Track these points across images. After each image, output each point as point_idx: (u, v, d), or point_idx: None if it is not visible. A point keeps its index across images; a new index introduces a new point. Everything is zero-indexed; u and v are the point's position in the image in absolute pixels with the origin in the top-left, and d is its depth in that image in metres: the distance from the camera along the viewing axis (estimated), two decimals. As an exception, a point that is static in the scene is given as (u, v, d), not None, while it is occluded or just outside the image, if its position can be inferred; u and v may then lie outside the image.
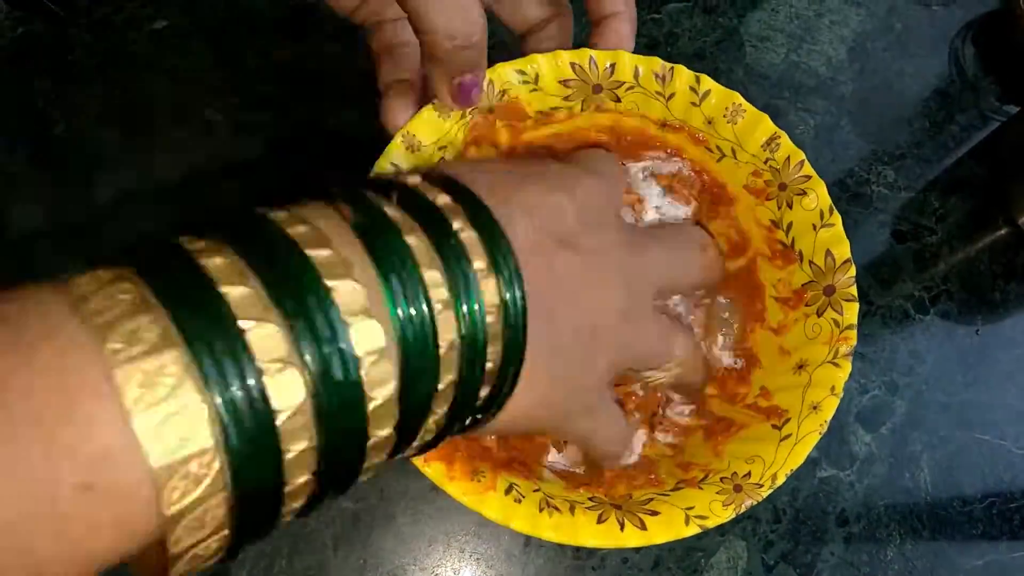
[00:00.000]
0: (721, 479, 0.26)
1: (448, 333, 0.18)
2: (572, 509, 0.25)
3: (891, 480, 0.36)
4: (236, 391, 0.15)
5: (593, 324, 0.23)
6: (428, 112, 0.28)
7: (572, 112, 0.30)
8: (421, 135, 0.28)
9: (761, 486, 0.25)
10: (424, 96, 0.29)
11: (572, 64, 0.28)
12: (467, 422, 0.21)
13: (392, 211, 0.19)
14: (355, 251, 0.17)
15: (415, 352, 0.18)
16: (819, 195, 0.27)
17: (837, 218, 0.27)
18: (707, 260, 0.29)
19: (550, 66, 0.28)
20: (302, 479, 0.16)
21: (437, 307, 0.18)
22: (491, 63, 0.28)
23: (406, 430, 0.18)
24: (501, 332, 0.19)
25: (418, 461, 0.25)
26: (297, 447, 0.16)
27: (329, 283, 0.16)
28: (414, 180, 0.21)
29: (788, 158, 0.28)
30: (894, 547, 0.35)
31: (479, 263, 0.19)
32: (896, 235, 0.40)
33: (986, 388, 0.38)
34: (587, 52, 0.28)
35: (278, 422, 0.15)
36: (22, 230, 0.37)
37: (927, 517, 0.36)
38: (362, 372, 0.16)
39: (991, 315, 0.39)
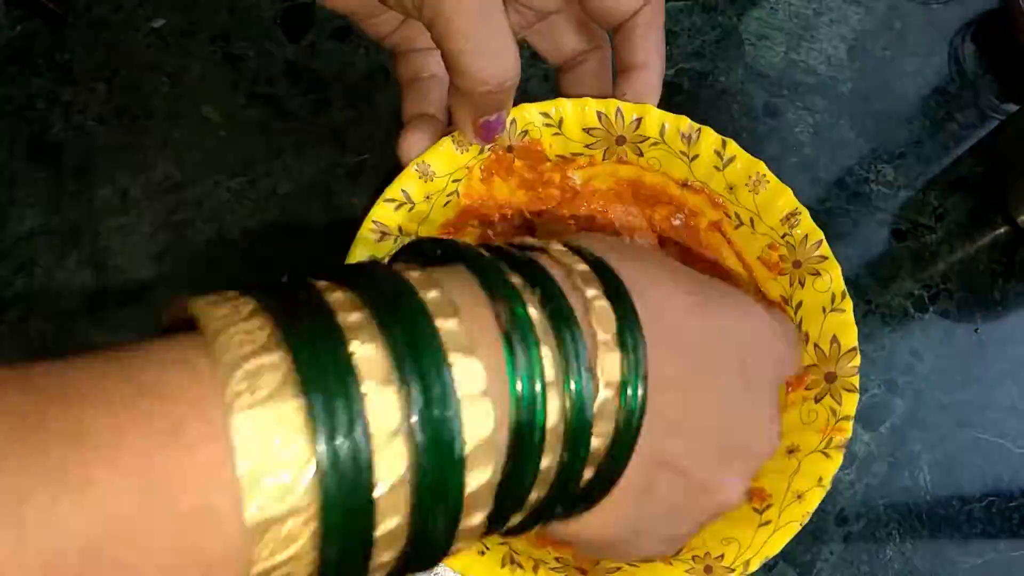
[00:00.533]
0: (693, 557, 0.25)
1: (553, 413, 0.17)
2: (536, 568, 0.25)
3: (890, 479, 0.36)
4: (344, 455, 0.14)
5: (703, 490, 0.21)
6: (447, 143, 0.28)
7: (593, 160, 0.30)
8: (436, 165, 0.28)
9: (732, 571, 0.24)
10: (446, 129, 0.28)
11: (598, 113, 0.28)
12: (558, 510, 0.20)
13: (532, 312, 0.18)
14: (484, 324, 0.17)
15: (524, 436, 0.17)
16: (833, 278, 0.27)
17: (848, 304, 0.26)
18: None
19: (575, 112, 0.28)
20: (387, 556, 0.16)
21: (547, 384, 0.17)
22: (519, 100, 0.27)
23: (500, 515, 0.18)
24: (616, 412, 0.18)
25: None
26: (390, 521, 0.15)
27: (452, 357, 0.16)
28: (557, 248, 0.20)
29: (806, 236, 0.27)
30: (893, 546, 0.35)
31: (603, 337, 0.18)
32: (895, 234, 0.40)
33: (985, 387, 0.38)
34: (615, 103, 0.27)
35: (376, 493, 0.15)
36: (21, 230, 0.37)
37: (926, 516, 0.36)
38: (466, 452, 0.16)
39: (990, 314, 0.39)
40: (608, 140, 0.28)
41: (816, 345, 0.27)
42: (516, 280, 0.18)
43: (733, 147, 0.27)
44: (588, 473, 0.19)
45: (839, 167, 0.41)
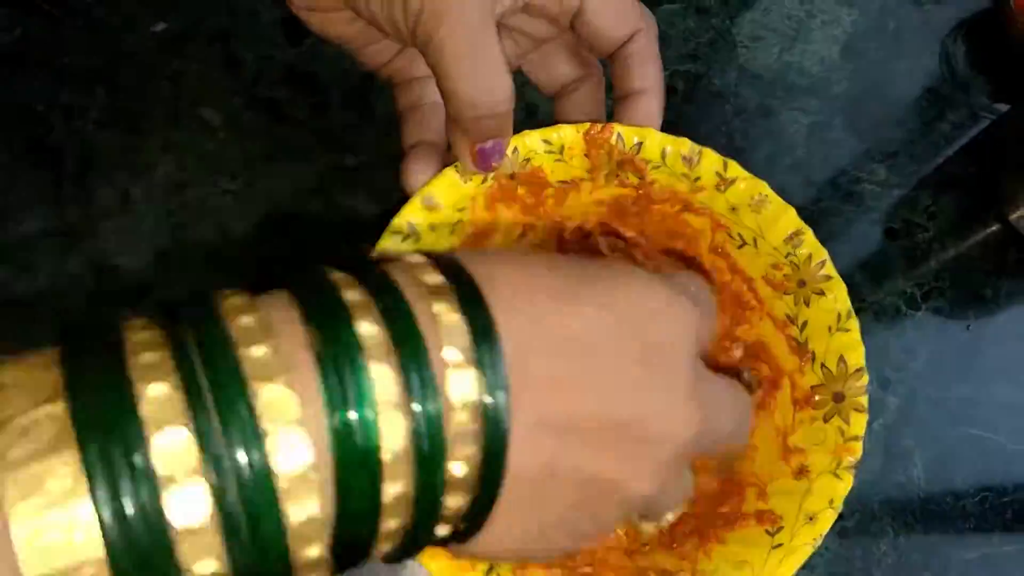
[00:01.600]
0: None
1: (397, 437, 0.16)
2: None
3: (884, 475, 0.36)
4: (128, 502, 0.13)
5: (609, 489, 0.20)
6: (450, 173, 0.27)
7: (595, 185, 0.30)
8: (440, 196, 0.27)
9: None
10: (449, 157, 0.28)
11: (599, 137, 0.28)
12: (442, 534, 0.19)
13: (354, 295, 0.17)
14: (298, 346, 0.16)
15: (353, 464, 0.16)
16: (838, 297, 0.27)
17: (854, 323, 0.26)
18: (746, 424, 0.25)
19: (576, 137, 0.28)
20: None
21: (383, 408, 0.16)
22: (520, 128, 0.27)
23: (348, 548, 0.17)
24: (477, 433, 0.17)
25: None
26: (202, 568, 0.14)
27: (256, 386, 0.15)
28: (414, 259, 0.19)
29: (810, 255, 0.27)
30: (887, 541, 0.36)
31: (452, 353, 0.17)
32: (888, 233, 0.40)
33: (978, 383, 0.38)
34: (615, 127, 0.28)
35: (175, 538, 0.14)
36: (21, 232, 0.38)
37: (920, 511, 0.36)
38: (281, 487, 0.15)
39: (982, 311, 0.39)
40: (609, 164, 0.29)
41: (823, 365, 0.27)
42: (355, 296, 0.17)
43: (735, 168, 0.27)
44: (460, 499, 0.17)
45: (832, 167, 0.41)
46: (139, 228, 0.38)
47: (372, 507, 0.16)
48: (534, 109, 0.40)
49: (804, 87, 0.43)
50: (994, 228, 0.41)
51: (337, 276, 0.18)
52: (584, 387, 0.18)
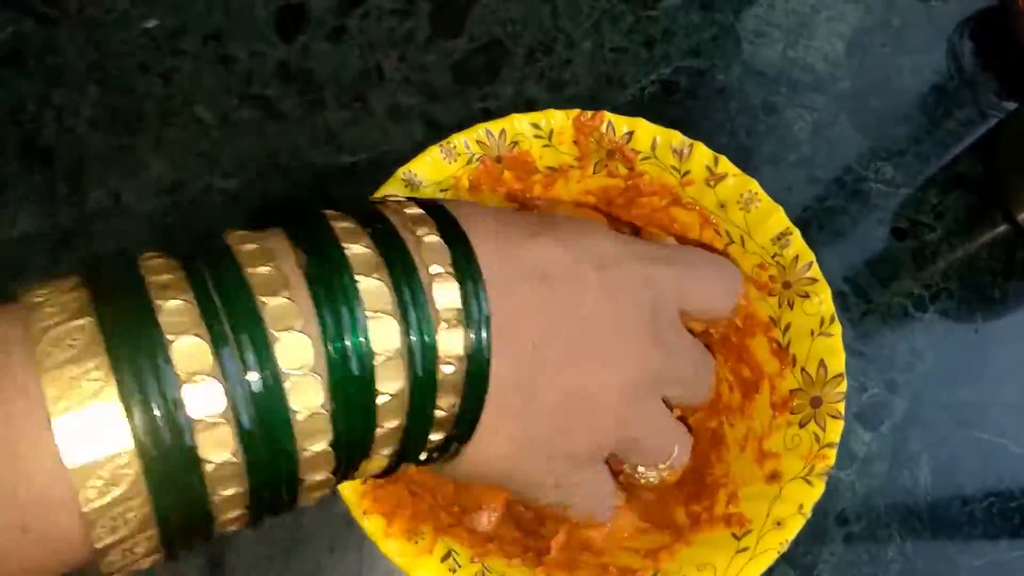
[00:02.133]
0: None
1: (390, 341, 0.18)
2: None
3: (891, 479, 0.36)
4: (154, 399, 0.15)
5: (585, 396, 0.22)
6: (434, 152, 0.27)
7: (584, 174, 0.29)
8: (423, 174, 0.27)
9: None
10: None
11: (589, 125, 0.28)
12: (422, 458, 0.20)
13: (345, 224, 0.19)
14: (294, 267, 0.18)
15: (349, 364, 0.17)
16: (823, 301, 0.26)
17: (837, 328, 0.26)
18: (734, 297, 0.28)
19: (566, 123, 0.28)
20: (229, 491, 0.16)
21: (376, 315, 0.18)
22: (492, 118, 0.28)
23: (350, 444, 0.18)
24: (462, 338, 0.19)
25: (356, 511, 0.24)
26: (218, 458, 0.16)
27: (263, 299, 0.17)
28: (398, 197, 0.21)
29: (797, 257, 0.27)
30: (894, 547, 0.35)
31: (436, 268, 0.19)
32: (895, 232, 0.40)
33: (986, 386, 0.38)
34: (606, 115, 0.27)
35: (196, 431, 0.15)
36: (13, 233, 0.37)
37: (927, 516, 0.36)
38: (287, 385, 0.16)
39: (990, 312, 0.39)
40: (599, 153, 0.28)
41: (803, 369, 0.27)
42: (346, 224, 0.19)
43: (725, 164, 0.27)
44: (451, 399, 0.19)
45: (838, 165, 0.41)
46: (132, 229, 0.37)
47: (367, 402, 0.18)
48: (533, 105, 0.40)
49: (809, 84, 0.42)
50: (1002, 228, 0.40)
51: (329, 212, 0.20)
52: (543, 307, 0.21)
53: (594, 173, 0.29)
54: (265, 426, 0.16)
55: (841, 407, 0.26)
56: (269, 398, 0.16)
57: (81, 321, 0.15)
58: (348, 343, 0.17)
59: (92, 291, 0.16)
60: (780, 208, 0.27)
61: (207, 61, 0.40)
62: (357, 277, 0.18)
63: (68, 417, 0.14)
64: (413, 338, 0.18)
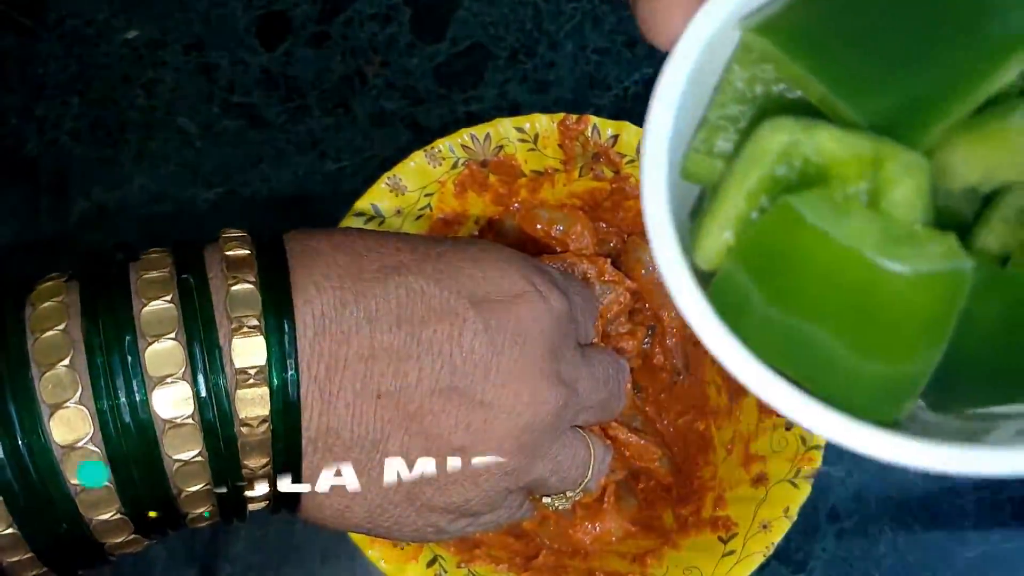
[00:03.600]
0: None
1: (189, 446, 0.17)
2: None
3: (882, 474, 0.36)
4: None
5: (457, 449, 0.20)
6: (418, 157, 0.27)
7: (570, 177, 0.29)
8: (408, 180, 0.27)
9: None
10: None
11: (574, 129, 0.27)
12: (261, 493, 0.19)
13: (155, 305, 0.18)
14: (78, 329, 0.18)
15: (125, 439, 0.17)
16: None
17: None
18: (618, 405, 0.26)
19: (551, 127, 0.27)
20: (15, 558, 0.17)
21: (165, 384, 0.17)
22: (476, 121, 0.28)
23: (146, 512, 0.18)
24: (265, 396, 0.18)
25: None
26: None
27: (35, 371, 0.17)
28: (231, 233, 0.20)
29: None
30: (886, 541, 0.35)
31: (239, 322, 0.18)
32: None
33: (974, 378, 0.38)
34: (591, 119, 0.27)
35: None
36: (-3, 246, 0.37)
37: (919, 510, 0.36)
38: (62, 461, 0.17)
39: (977, 305, 0.39)
40: (584, 156, 0.28)
41: None
42: (154, 275, 0.18)
43: None
44: (261, 459, 0.18)
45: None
46: (116, 240, 0.37)
47: (155, 472, 0.18)
48: (517, 107, 0.40)
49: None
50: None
51: (145, 258, 0.19)
52: (406, 354, 0.19)
53: (580, 177, 0.29)
54: (43, 501, 0.16)
55: None
56: (45, 473, 0.16)
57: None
58: (127, 416, 0.17)
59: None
60: None
61: (189, 71, 0.40)
62: (147, 339, 0.17)
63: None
64: (205, 400, 0.17)
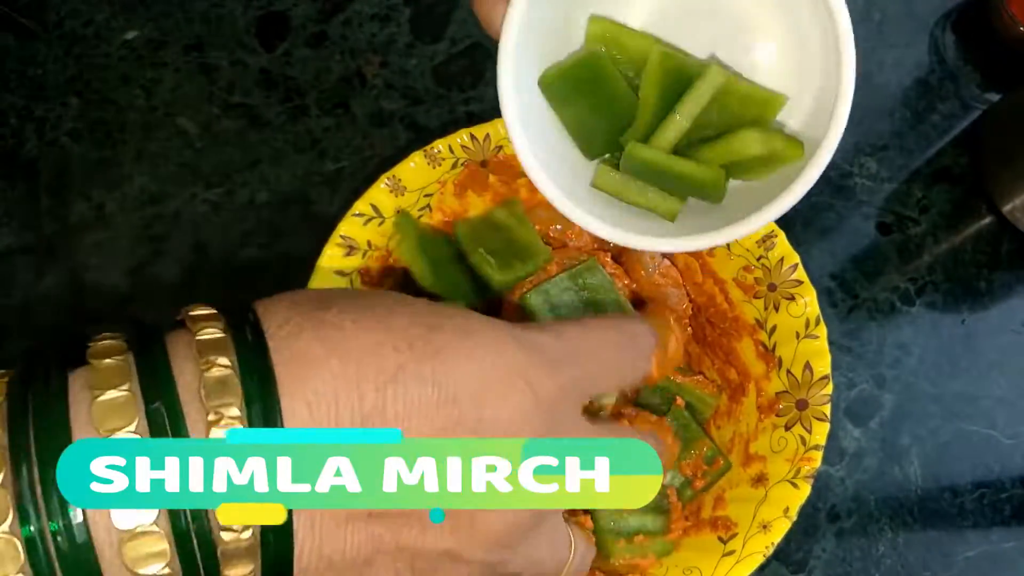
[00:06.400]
0: None
1: (156, 560, 0.15)
2: None
3: (881, 474, 0.36)
4: None
5: (451, 557, 0.18)
6: (417, 158, 0.27)
7: None
8: (407, 180, 0.27)
9: None
10: None
11: None
12: None
13: (115, 395, 0.16)
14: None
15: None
16: (808, 303, 0.27)
17: (822, 330, 0.26)
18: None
19: None
20: None
21: (144, 530, 0.15)
22: (475, 121, 0.27)
23: None
24: (254, 547, 0.16)
25: None
26: None
27: None
28: (207, 334, 0.17)
29: (782, 259, 0.27)
30: (886, 541, 0.35)
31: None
32: (880, 227, 0.40)
33: (974, 378, 0.38)
34: None
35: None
36: (-2, 246, 0.37)
37: (918, 510, 0.36)
38: None
39: (977, 304, 0.39)
40: None
41: (789, 371, 0.27)
42: (117, 397, 0.16)
43: None
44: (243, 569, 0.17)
45: (822, 161, 0.41)
46: (116, 241, 0.37)
47: None
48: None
49: (791, 81, 0.42)
50: (987, 220, 0.40)
51: (108, 364, 0.17)
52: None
53: None
54: None
55: (827, 409, 0.26)
56: None
57: None
58: (59, 542, 0.15)
59: None
60: None
61: (188, 71, 0.40)
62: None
63: None
64: (189, 548, 0.15)
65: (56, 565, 0.15)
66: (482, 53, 0.40)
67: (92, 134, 0.39)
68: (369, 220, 0.27)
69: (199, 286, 0.37)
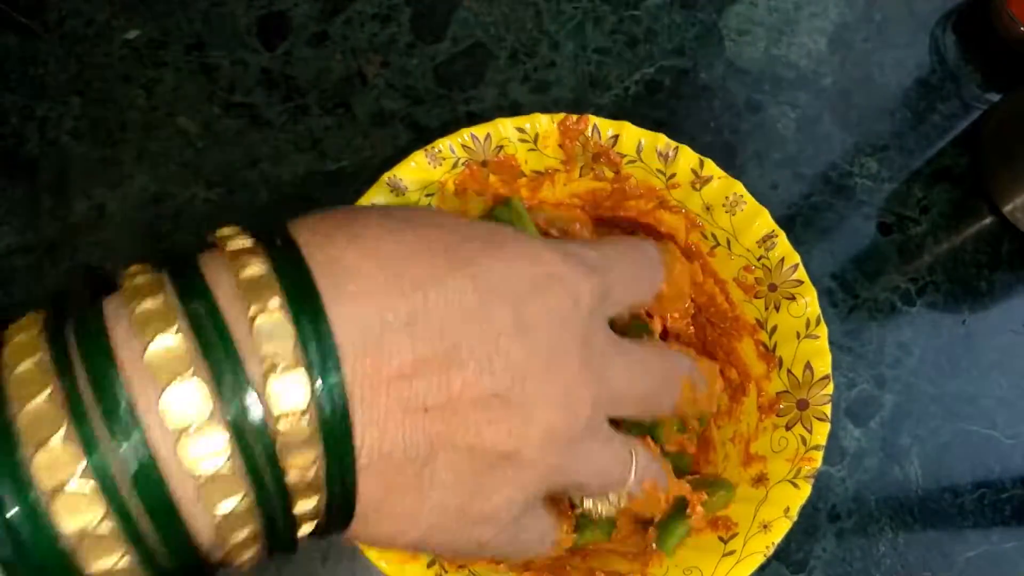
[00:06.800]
0: None
1: (215, 455, 0.15)
2: None
3: (882, 474, 0.36)
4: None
5: (500, 456, 0.19)
6: (418, 157, 0.27)
7: (570, 177, 0.29)
8: (408, 180, 0.27)
9: None
10: None
11: (575, 129, 0.27)
12: (308, 531, 0.18)
13: (153, 303, 0.16)
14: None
15: (152, 497, 0.15)
16: (809, 303, 0.27)
17: (823, 330, 0.26)
18: (662, 280, 0.26)
19: (551, 127, 0.27)
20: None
21: (189, 429, 0.15)
22: (476, 121, 0.27)
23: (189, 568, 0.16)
24: (313, 437, 0.16)
25: None
26: None
27: (16, 407, 0.15)
28: (237, 245, 0.18)
29: (783, 259, 0.27)
30: (886, 541, 0.35)
31: (272, 358, 0.16)
32: (881, 227, 0.40)
33: (974, 378, 0.38)
34: (591, 118, 0.27)
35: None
36: (-2, 247, 0.37)
37: (918, 510, 0.36)
38: (53, 508, 0.14)
39: (977, 305, 0.39)
40: (584, 156, 0.28)
41: (789, 371, 0.27)
42: (154, 305, 0.16)
43: (711, 166, 0.27)
44: (311, 502, 0.17)
45: (822, 161, 0.41)
46: (117, 240, 0.37)
47: (181, 525, 0.16)
48: (517, 107, 0.40)
49: (792, 81, 0.42)
50: (987, 220, 0.40)
51: (141, 281, 0.17)
52: (448, 364, 0.18)
53: (580, 177, 0.29)
54: (29, 558, 0.14)
55: (827, 409, 0.26)
56: (31, 528, 0.14)
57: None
58: (143, 474, 0.15)
59: None
60: (765, 211, 0.27)
61: (189, 71, 0.40)
62: (170, 380, 0.15)
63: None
64: (246, 446, 0.15)
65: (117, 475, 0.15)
66: (483, 53, 0.40)
67: (93, 133, 0.39)
68: None
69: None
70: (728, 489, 0.26)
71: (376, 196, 0.27)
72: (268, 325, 0.16)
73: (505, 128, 0.27)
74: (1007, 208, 0.39)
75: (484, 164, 0.28)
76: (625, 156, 0.28)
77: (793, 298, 0.27)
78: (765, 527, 0.25)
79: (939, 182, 0.41)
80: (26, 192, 0.38)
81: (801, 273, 0.27)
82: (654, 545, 0.26)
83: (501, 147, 0.28)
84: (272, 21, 0.40)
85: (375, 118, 0.39)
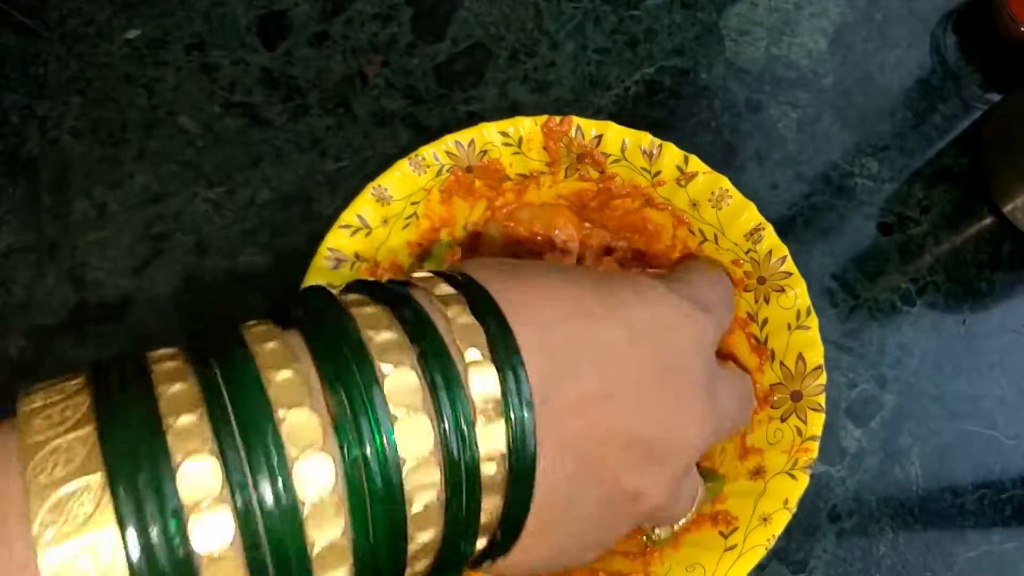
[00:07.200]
0: None
1: (421, 441, 0.16)
2: None
3: (882, 474, 0.36)
4: (154, 526, 0.13)
5: (636, 494, 0.20)
6: (404, 166, 0.27)
7: (555, 179, 0.29)
8: (393, 189, 0.27)
9: None
10: None
11: (558, 131, 0.27)
12: (480, 546, 0.19)
13: (367, 309, 0.17)
14: (314, 368, 0.16)
15: (369, 486, 0.16)
16: (798, 294, 0.27)
17: (814, 320, 0.26)
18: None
19: (534, 130, 0.27)
20: None
21: (404, 413, 0.16)
22: (476, 121, 0.27)
23: (384, 564, 0.16)
24: (502, 429, 0.17)
25: None
26: None
27: (282, 412, 0.15)
28: (421, 274, 0.19)
29: (770, 252, 0.27)
30: (886, 541, 0.35)
31: (472, 353, 0.17)
32: (881, 227, 0.40)
33: (975, 378, 0.38)
34: (574, 120, 0.27)
35: (200, 566, 0.14)
36: (-2, 246, 0.37)
37: (919, 510, 0.36)
38: (304, 512, 0.15)
39: (978, 305, 0.39)
40: (568, 158, 0.28)
41: (782, 363, 0.27)
42: (368, 310, 0.17)
43: (695, 162, 0.27)
44: (495, 499, 0.17)
45: (823, 161, 0.41)
46: (117, 240, 0.37)
47: (396, 521, 0.16)
48: (518, 107, 0.40)
49: (792, 80, 0.42)
50: (988, 220, 0.40)
51: (351, 297, 0.18)
52: (606, 403, 0.19)
53: (565, 178, 0.29)
54: (277, 559, 0.15)
55: (822, 399, 0.26)
56: (284, 530, 0.14)
57: (80, 432, 0.14)
58: (369, 455, 0.15)
59: (95, 397, 0.15)
60: (752, 204, 0.27)
61: (190, 70, 0.40)
62: (383, 370, 0.16)
63: (55, 550, 0.13)
64: (450, 435, 0.16)
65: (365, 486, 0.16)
66: (483, 53, 0.40)
67: (94, 133, 0.39)
68: (356, 231, 0.27)
69: (200, 284, 0.37)
70: (718, 481, 0.26)
71: (361, 207, 0.27)
72: (465, 326, 0.17)
73: (489, 133, 0.27)
74: (1007, 208, 0.39)
75: (469, 170, 0.28)
76: (610, 156, 0.28)
77: (783, 290, 0.27)
78: (765, 520, 0.25)
79: (940, 182, 0.41)
80: (26, 191, 0.38)
81: (790, 265, 0.27)
82: (644, 539, 0.26)
83: (485, 152, 0.28)
84: (273, 21, 0.40)
85: (375, 118, 0.39)
